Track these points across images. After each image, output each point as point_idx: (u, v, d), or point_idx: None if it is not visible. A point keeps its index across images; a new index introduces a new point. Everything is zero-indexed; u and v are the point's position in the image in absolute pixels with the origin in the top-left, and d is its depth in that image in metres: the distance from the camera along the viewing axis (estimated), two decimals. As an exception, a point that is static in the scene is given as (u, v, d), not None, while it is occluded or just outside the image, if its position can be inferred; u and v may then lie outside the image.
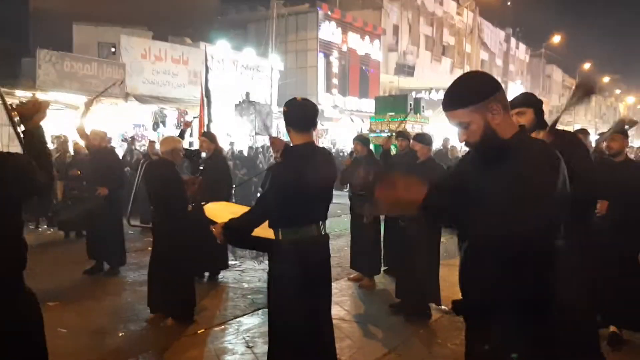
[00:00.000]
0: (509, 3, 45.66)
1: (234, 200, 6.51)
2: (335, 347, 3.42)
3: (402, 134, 7.18)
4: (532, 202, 1.79)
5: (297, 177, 3.14)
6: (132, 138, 16.30)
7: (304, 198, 3.17)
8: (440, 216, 2.16)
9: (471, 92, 1.97)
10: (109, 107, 17.41)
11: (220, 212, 3.93)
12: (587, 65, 57.33)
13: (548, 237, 1.82)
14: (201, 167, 6.81)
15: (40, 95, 15.30)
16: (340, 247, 8.85)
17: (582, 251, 3.18)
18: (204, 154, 7.03)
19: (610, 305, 4.46)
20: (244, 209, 3.64)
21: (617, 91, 78.98)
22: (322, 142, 23.35)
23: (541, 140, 2.01)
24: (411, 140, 5.89)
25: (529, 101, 3.50)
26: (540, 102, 3.54)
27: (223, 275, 7.17)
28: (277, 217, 3.23)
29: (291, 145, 3.34)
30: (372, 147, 10.82)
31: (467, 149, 2.11)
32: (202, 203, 4.36)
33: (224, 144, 17.60)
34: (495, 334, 1.91)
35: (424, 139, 5.59)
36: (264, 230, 3.31)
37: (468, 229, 1.99)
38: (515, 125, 2.03)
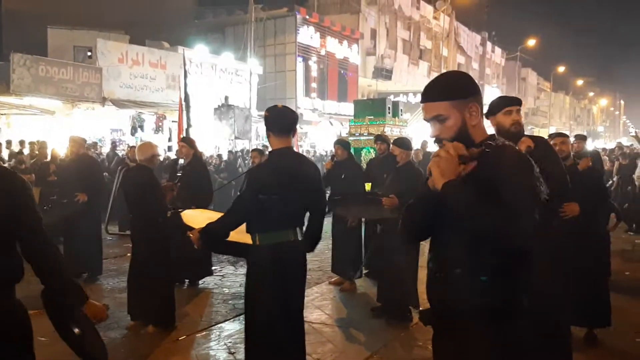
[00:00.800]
0: (486, 9, 46.35)
1: (212, 207, 6.48)
2: (305, 347, 3.53)
3: (381, 138, 7.22)
4: (518, 203, 1.79)
5: (273, 179, 3.21)
6: (114, 143, 16.18)
7: (281, 201, 3.22)
8: (421, 230, 2.12)
9: (455, 87, 1.98)
10: (85, 111, 17.22)
11: (197, 218, 3.97)
12: (561, 68, 58.45)
13: (532, 238, 1.83)
14: (179, 173, 6.78)
15: (15, 100, 15.08)
16: (321, 251, 8.84)
17: (552, 253, 3.26)
18: (182, 160, 7.00)
19: (577, 306, 4.52)
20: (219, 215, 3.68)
21: (591, 94, 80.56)
22: (302, 145, 23.36)
23: (510, 145, 1.99)
24: (391, 145, 5.94)
25: (519, 101, 3.70)
26: None
27: (204, 280, 7.12)
28: (254, 221, 3.28)
29: (269, 150, 3.42)
30: (352, 150, 10.92)
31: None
32: (179, 210, 4.35)
33: (207, 148, 17.57)
34: (464, 341, 1.90)
35: (404, 144, 5.63)
36: (242, 236, 3.34)
37: (441, 234, 1.98)
38: (486, 132, 2.03)
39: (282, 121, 3.36)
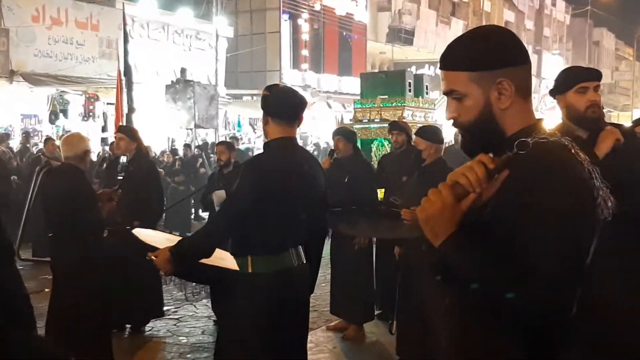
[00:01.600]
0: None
1: (163, 223, 6.50)
2: None
3: (399, 126, 7.21)
4: (537, 257, 1.70)
5: (280, 179, 3.31)
6: (27, 134, 16.11)
7: (286, 212, 3.32)
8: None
9: (478, 52, 1.88)
10: (-15, 90, 17.20)
11: (155, 238, 3.97)
12: (648, 29, 58.70)
13: (563, 309, 1.72)
14: (120, 176, 6.76)
15: None
16: (317, 283, 8.84)
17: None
18: (123, 158, 6.99)
19: None
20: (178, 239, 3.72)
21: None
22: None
23: (557, 144, 1.86)
24: (413, 136, 5.94)
25: (598, 75, 3.63)
26: None
27: (152, 325, 7.11)
28: (248, 238, 3.32)
29: (266, 140, 3.53)
30: (358, 143, 10.93)
31: None
32: (127, 227, 4.35)
33: (156, 142, 17.56)
34: None
35: (432, 134, 5.63)
36: (218, 260, 3.36)
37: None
38: (528, 119, 1.93)
39: (287, 103, 3.49)
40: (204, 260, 3.34)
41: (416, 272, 5.34)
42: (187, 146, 16.77)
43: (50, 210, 5.40)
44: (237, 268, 3.36)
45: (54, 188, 5.42)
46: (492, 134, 1.90)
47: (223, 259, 3.40)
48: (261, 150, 3.76)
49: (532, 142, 1.82)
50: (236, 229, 3.33)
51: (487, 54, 1.88)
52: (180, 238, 3.71)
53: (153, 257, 3.35)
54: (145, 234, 4.17)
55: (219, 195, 6.89)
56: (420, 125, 10.48)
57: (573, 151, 1.84)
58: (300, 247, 3.48)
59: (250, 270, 3.32)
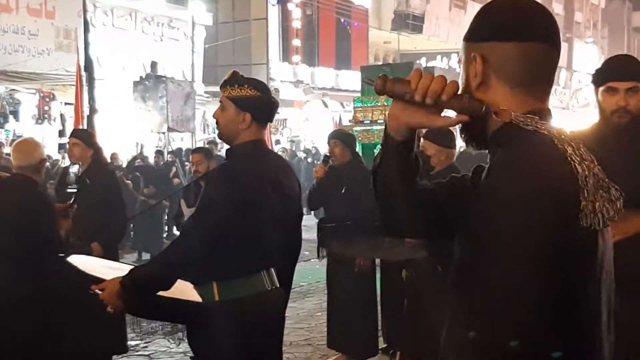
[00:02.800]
0: None
1: (129, 244, 6.51)
2: None
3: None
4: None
5: (256, 189, 3.36)
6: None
7: (260, 225, 3.34)
8: None
9: (473, 22, 2.00)
10: None
11: (97, 267, 3.96)
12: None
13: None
14: (74, 189, 6.75)
15: None
16: (311, 313, 8.84)
17: None
18: (76, 167, 6.96)
19: None
20: (125, 267, 3.75)
21: None
22: (278, 139, 23.43)
23: (543, 136, 1.84)
24: (421, 139, 5.96)
25: (635, 73, 3.56)
26: None
27: (118, 364, 7.11)
28: (213, 262, 3.32)
29: (233, 145, 3.55)
30: (358, 148, 10.93)
31: None
32: (61, 255, 4.32)
33: (120, 148, 17.56)
34: None
35: (441, 138, 5.66)
36: (177, 291, 3.35)
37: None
38: (525, 105, 1.90)
39: (272, 103, 3.63)
40: (162, 293, 3.31)
41: (427, 297, 5.36)
42: (158, 152, 16.77)
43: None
44: (199, 299, 3.36)
45: (4, 203, 5.42)
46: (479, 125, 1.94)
47: (181, 289, 3.38)
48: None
49: (525, 127, 1.84)
50: (202, 254, 3.32)
51: (476, 24, 1.96)
52: (122, 266, 3.70)
53: (98, 291, 3.29)
54: (85, 262, 4.15)
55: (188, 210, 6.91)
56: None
57: (562, 149, 1.82)
58: (272, 269, 3.47)
59: (217, 299, 3.32)
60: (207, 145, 15.35)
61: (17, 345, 5.08)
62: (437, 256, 5.22)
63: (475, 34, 1.94)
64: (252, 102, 3.46)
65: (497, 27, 1.93)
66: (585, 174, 1.80)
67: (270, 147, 17.87)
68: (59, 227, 5.26)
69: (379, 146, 7.75)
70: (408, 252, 5.33)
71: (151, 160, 16.74)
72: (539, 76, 1.94)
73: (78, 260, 4.19)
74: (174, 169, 15.63)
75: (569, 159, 1.80)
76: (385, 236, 5.51)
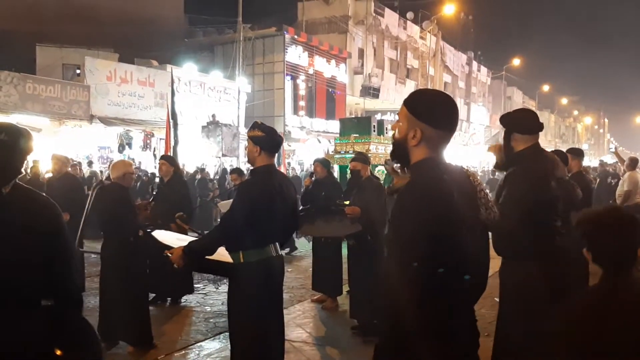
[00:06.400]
0: (471, 30, 46.95)
1: (193, 223, 6.44)
2: None
3: (355, 157, 7.14)
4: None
5: (265, 195, 3.32)
6: (90, 161, 16.07)
7: (269, 216, 3.31)
8: None
9: (416, 102, 2.05)
10: (72, 129, 17.16)
11: (169, 238, 3.97)
12: (546, 87, 59.18)
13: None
14: (154, 192, 6.73)
15: (1, 118, 15.01)
16: (305, 268, 8.81)
17: None
18: (159, 179, 6.95)
19: None
20: (189, 238, 3.73)
21: (576, 112, 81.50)
22: (289, 163, 23.37)
23: (432, 179, 1.92)
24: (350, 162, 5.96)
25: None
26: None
27: (186, 298, 7.07)
28: (240, 238, 3.30)
29: (254, 167, 3.53)
30: (336, 167, 10.89)
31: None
32: (148, 230, 4.30)
33: (192, 166, 17.53)
34: None
35: (363, 158, 5.76)
36: (218, 256, 3.35)
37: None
38: (429, 155, 2.00)
39: (274, 140, 3.51)
40: (208, 257, 3.36)
41: (363, 257, 5.40)
42: (222, 169, 16.64)
43: (101, 216, 5.40)
44: (231, 260, 3.37)
45: (103, 200, 5.43)
46: (403, 152, 2.06)
47: (222, 254, 3.40)
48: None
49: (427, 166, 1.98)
50: (235, 233, 3.32)
51: (419, 107, 2.03)
52: (187, 238, 3.67)
53: (169, 254, 3.33)
54: (162, 236, 4.15)
55: (224, 204, 6.89)
56: (381, 155, 10.56)
57: (445, 176, 1.93)
58: (277, 243, 3.50)
59: (242, 261, 3.33)
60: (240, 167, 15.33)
61: (130, 278, 5.10)
62: (367, 229, 5.27)
63: (418, 114, 2.01)
64: (260, 139, 3.44)
65: (436, 118, 2.01)
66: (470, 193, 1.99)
67: (285, 166, 17.52)
68: (136, 215, 5.22)
69: (348, 168, 7.47)
70: (349, 228, 5.35)
71: (211, 174, 16.70)
72: (443, 143, 2.03)
73: (159, 235, 4.20)
74: (227, 178, 15.56)
75: (457, 184, 1.93)
76: (335, 215, 5.53)
